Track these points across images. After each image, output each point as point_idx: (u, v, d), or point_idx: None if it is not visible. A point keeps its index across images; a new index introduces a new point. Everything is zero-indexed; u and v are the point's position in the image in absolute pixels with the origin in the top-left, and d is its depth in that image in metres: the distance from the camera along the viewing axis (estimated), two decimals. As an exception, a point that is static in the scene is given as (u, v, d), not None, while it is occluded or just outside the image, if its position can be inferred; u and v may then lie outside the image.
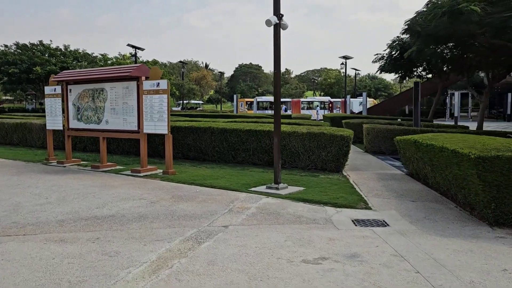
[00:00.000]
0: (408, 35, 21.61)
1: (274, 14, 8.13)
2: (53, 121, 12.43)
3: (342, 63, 48.70)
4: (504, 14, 10.32)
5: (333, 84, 73.79)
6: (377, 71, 24.61)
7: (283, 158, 10.92)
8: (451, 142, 6.88)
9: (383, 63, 22.77)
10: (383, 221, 6.08)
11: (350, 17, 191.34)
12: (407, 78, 24.70)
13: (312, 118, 33.03)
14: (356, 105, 52.61)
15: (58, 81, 11.85)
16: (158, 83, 9.83)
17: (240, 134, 11.47)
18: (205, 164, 11.68)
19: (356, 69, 58.66)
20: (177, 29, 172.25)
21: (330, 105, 51.64)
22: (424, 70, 23.59)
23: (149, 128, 10.08)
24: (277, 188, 8.09)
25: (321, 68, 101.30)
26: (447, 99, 42.32)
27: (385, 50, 22.18)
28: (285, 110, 50.46)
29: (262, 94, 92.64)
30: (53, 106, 12.41)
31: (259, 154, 11.30)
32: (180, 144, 12.57)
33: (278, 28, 8.18)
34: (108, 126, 10.92)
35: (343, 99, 51.46)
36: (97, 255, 4.62)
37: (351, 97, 49.71)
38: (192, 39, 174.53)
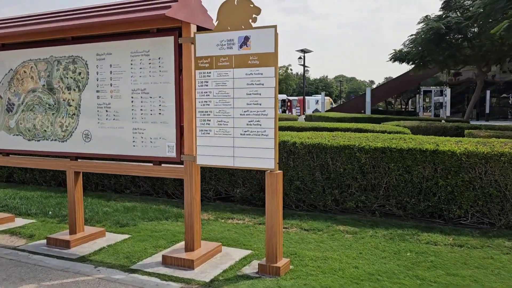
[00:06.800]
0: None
1: None
2: None
3: (300, 57, 44.05)
4: None
5: (280, 81, 69.00)
6: (389, 60, 19.85)
7: (461, 205, 5.34)
8: None
9: (409, 48, 17.95)
10: None
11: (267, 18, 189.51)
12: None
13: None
14: (312, 103, 48.40)
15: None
16: (247, 37, 3.76)
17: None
18: (313, 217, 5.74)
19: (306, 66, 54.52)
20: None
21: (288, 103, 46.76)
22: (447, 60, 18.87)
23: (216, 153, 3.97)
24: None
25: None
26: (418, 97, 39.06)
27: (418, 32, 17.28)
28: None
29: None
30: None
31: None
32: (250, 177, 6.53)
33: None
34: (90, 146, 4.59)
35: (301, 98, 46.94)
36: None
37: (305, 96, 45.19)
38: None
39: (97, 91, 4.50)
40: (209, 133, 3.98)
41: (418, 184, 5.52)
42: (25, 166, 5.24)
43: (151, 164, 4.32)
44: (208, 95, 3.95)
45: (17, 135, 5.04)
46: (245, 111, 3.81)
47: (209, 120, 3.97)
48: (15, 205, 6.42)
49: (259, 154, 3.77)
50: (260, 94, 3.74)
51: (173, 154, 4.18)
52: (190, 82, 4.03)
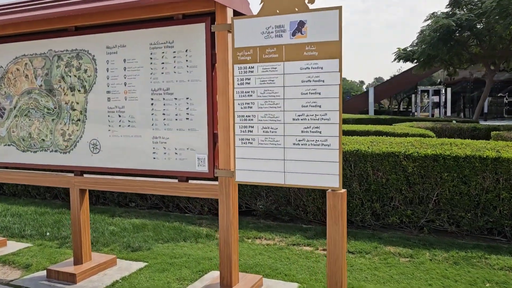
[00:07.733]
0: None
1: None
2: None
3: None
4: None
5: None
6: (394, 59, 19.19)
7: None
8: None
9: (417, 46, 17.30)
10: None
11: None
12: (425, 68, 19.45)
13: None
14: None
15: None
16: (302, 22, 2.99)
17: None
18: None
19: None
20: None
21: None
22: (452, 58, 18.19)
23: (260, 168, 3.18)
24: None
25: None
26: (414, 96, 38.58)
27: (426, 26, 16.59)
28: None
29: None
30: None
31: None
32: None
33: None
34: (99, 158, 3.79)
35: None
36: None
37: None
38: None
39: (108, 92, 3.69)
40: (251, 143, 3.20)
41: (476, 196, 4.79)
42: (19, 182, 4.40)
43: (176, 181, 3.53)
44: (251, 95, 3.17)
45: (8, 145, 4.21)
46: (299, 115, 3.03)
47: (252, 127, 3.19)
48: (7, 224, 5.58)
49: (319, 169, 3.00)
50: (319, 94, 2.97)
51: (204, 168, 3.39)
52: (227, 79, 3.25)
